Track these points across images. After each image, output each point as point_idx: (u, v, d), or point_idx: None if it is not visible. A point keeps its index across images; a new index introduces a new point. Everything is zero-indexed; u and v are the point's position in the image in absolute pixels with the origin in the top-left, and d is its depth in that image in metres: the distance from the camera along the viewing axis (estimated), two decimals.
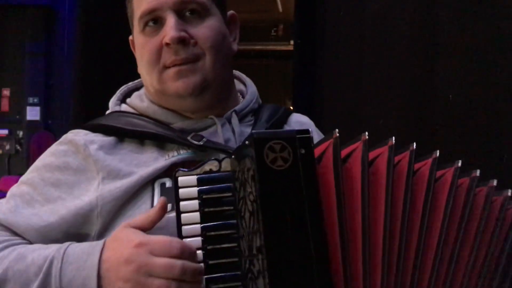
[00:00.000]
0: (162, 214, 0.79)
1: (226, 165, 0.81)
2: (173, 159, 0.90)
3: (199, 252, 0.77)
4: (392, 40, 1.77)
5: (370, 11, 1.95)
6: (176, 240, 0.76)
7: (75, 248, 0.82)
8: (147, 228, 0.79)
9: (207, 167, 0.81)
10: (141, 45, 0.94)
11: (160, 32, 0.92)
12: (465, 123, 1.37)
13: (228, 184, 0.79)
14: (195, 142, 0.91)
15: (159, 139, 0.93)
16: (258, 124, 0.98)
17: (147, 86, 0.98)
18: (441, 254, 0.78)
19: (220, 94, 0.97)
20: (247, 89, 1.05)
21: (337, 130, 0.76)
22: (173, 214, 0.79)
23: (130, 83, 1.05)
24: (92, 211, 0.88)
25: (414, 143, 0.79)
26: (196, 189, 0.80)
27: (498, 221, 0.83)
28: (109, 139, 0.93)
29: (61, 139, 0.96)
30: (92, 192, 0.88)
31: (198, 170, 0.81)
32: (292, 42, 3.75)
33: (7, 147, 4.58)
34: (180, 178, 0.80)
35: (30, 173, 0.94)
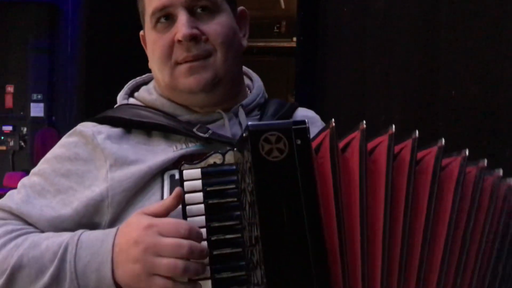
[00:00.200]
0: (177, 203, 0.81)
1: (230, 158, 0.82)
2: (182, 151, 0.92)
3: (203, 243, 0.78)
4: (395, 37, 1.78)
5: (372, 7, 1.96)
6: (184, 221, 0.78)
7: (88, 235, 0.84)
8: (161, 215, 0.81)
9: (211, 160, 0.83)
10: (153, 41, 0.96)
11: (172, 28, 0.93)
12: (467, 119, 1.37)
13: (232, 177, 0.81)
14: (201, 134, 0.93)
15: (165, 130, 0.95)
16: (264, 119, 1.00)
17: (158, 81, 1.00)
18: (449, 251, 0.77)
19: (230, 90, 0.98)
20: (253, 83, 1.07)
21: (333, 120, 0.76)
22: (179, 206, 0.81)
23: (138, 78, 1.07)
24: (103, 201, 0.89)
25: (417, 131, 0.78)
26: (200, 181, 0.81)
27: (503, 211, 0.82)
28: (117, 130, 0.95)
29: (70, 132, 0.98)
30: (101, 181, 0.90)
31: (202, 163, 0.83)
32: (294, 39, 3.75)
33: (11, 143, 4.61)
34: (185, 172, 0.82)
35: (41, 165, 0.96)
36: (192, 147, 0.93)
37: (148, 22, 0.97)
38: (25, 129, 4.60)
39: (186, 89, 0.94)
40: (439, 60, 1.52)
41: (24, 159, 4.51)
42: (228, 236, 0.78)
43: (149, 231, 0.77)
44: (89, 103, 3.18)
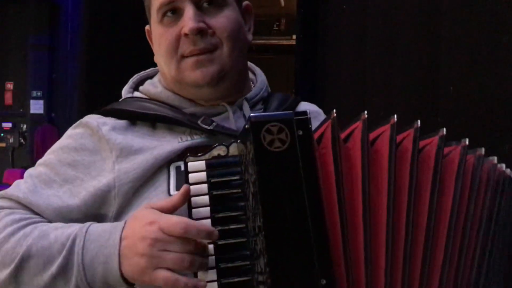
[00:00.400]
0: (184, 200, 0.82)
1: (234, 149, 0.84)
2: (187, 143, 0.93)
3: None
4: (395, 35, 1.79)
5: (372, 5, 1.97)
6: (183, 219, 0.79)
7: (96, 227, 0.85)
8: (167, 211, 0.82)
9: (215, 152, 0.84)
10: (159, 35, 0.97)
11: (178, 22, 0.94)
12: (467, 114, 1.38)
13: (235, 168, 0.82)
14: (205, 126, 0.94)
15: (170, 122, 0.96)
16: (268, 112, 1.01)
17: (164, 74, 1.01)
18: (453, 238, 0.79)
19: (236, 84, 0.99)
20: (257, 78, 1.08)
21: (334, 110, 0.77)
22: None
23: (142, 72, 1.08)
24: (110, 192, 0.90)
25: (419, 121, 0.79)
26: (205, 173, 0.82)
27: (496, 195, 0.84)
28: (122, 122, 0.96)
29: (76, 123, 0.99)
30: (108, 172, 0.91)
31: (207, 155, 0.84)
32: (294, 36, 3.76)
33: (11, 140, 4.61)
34: (190, 164, 0.83)
35: (47, 155, 0.97)
36: (196, 139, 0.94)
37: (154, 16, 0.98)
38: (24, 126, 4.60)
39: (192, 82, 0.95)
40: (440, 56, 1.53)
41: (24, 156, 4.52)
42: (232, 226, 0.80)
43: (152, 227, 0.78)
44: (89, 100, 3.19)
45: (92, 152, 0.93)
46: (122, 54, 2.91)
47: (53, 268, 0.82)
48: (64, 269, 0.82)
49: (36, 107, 4.54)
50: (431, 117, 1.53)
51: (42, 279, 0.83)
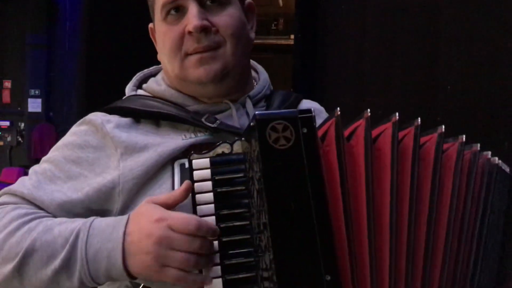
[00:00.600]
0: (186, 196, 0.83)
1: (238, 147, 0.84)
2: (191, 140, 0.94)
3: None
4: (394, 33, 1.80)
5: (371, 5, 1.98)
6: (194, 217, 0.80)
7: (100, 221, 0.85)
8: (169, 206, 0.83)
9: (219, 150, 0.85)
10: (163, 33, 0.98)
11: (182, 20, 0.95)
12: (466, 113, 1.40)
13: (239, 166, 0.83)
14: (209, 124, 0.95)
15: (174, 119, 0.96)
16: (270, 109, 1.02)
17: (167, 72, 1.02)
18: (452, 231, 0.81)
19: (239, 81, 1.00)
20: (259, 75, 1.09)
21: (338, 108, 0.79)
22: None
23: (145, 70, 1.09)
24: (114, 189, 0.91)
25: (419, 118, 0.81)
26: (209, 171, 0.83)
27: (491, 189, 0.87)
28: (126, 120, 0.96)
29: (80, 121, 1.00)
30: (112, 169, 0.92)
31: (211, 153, 0.85)
32: (292, 36, 3.76)
33: (9, 138, 4.61)
34: (194, 161, 0.84)
35: (52, 152, 0.98)
36: (200, 136, 0.95)
37: (158, 14, 0.99)
38: (22, 125, 4.59)
39: (195, 79, 0.96)
40: (438, 57, 1.54)
41: (22, 155, 4.51)
42: (236, 223, 0.81)
43: (160, 224, 0.79)
44: (88, 99, 3.19)
45: (96, 149, 0.94)
46: (120, 53, 2.92)
47: (57, 262, 0.83)
48: (68, 263, 0.83)
49: (34, 105, 4.53)
50: (430, 115, 1.54)
51: (46, 273, 0.83)
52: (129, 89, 1.06)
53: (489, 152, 0.88)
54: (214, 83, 0.96)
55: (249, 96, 1.02)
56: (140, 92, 1.05)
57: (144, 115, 0.97)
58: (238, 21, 0.97)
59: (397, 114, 0.81)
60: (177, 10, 0.96)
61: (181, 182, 0.89)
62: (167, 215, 0.80)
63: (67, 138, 0.98)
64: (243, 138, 0.84)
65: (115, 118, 0.96)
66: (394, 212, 0.77)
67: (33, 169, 0.97)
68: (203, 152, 0.85)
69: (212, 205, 0.82)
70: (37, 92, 4.53)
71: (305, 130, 0.76)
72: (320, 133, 0.78)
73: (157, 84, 1.03)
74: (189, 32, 0.94)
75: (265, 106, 1.04)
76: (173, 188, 0.90)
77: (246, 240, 0.80)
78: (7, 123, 4.61)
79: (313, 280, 0.72)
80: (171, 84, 1.02)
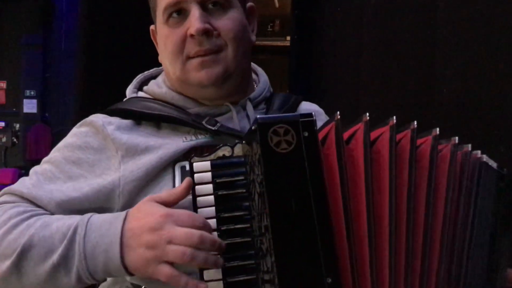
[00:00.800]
0: (186, 193, 0.83)
1: (238, 150, 0.85)
2: (192, 143, 0.95)
3: (214, 233, 0.81)
4: (390, 36, 1.81)
5: (367, 7, 1.98)
6: (199, 215, 0.81)
7: (98, 217, 0.86)
8: (170, 204, 0.83)
9: (220, 153, 0.86)
10: (165, 35, 0.98)
11: (184, 23, 0.96)
12: (461, 115, 1.41)
13: (240, 168, 0.84)
14: (210, 127, 0.95)
15: (175, 122, 0.97)
16: (271, 112, 1.03)
17: (168, 74, 1.02)
18: (447, 230, 0.83)
19: (240, 84, 1.01)
20: (259, 78, 1.10)
21: (338, 112, 0.80)
22: (190, 197, 0.84)
23: (146, 72, 1.10)
24: (114, 190, 0.92)
25: (415, 122, 0.82)
26: (210, 173, 0.84)
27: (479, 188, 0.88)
28: (127, 122, 0.97)
29: (81, 122, 1.00)
30: (113, 171, 0.93)
31: (211, 156, 0.85)
32: (288, 37, 3.77)
33: (4, 139, 4.58)
34: (195, 164, 0.85)
35: (52, 153, 0.98)
36: (201, 138, 0.96)
37: (160, 17, 0.99)
38: (17, 126, 4.57)
39: (197, 82, 0.97)
40: (435, 59, 1.55)
41: (17, 156, 4.48)
42: (237, 226, 0.81)
43: (167, 220, 0.79)
44: (84, 100, 3.18)
45: (97, 151, 0.94)
46: (117, 54, 2.91)
47: (54, 258, 0.83)
48: (65, 259, 0.83)
49: (30, 106, 4.51)
50: (426, 117, 1.55)
51: (44, 268, 0.83)
52: (129, 91, 1.06)
53: (479, 151, 0.90)
54: (215, 86, 0.97)
55: (250, 99, 1.03)
56: (140, 94, 1.05)
57: (145, 117, 0.98)
58: (240, 24, 0.98)
59: (394, 117, 0.82)
60: (179, 13, 0.97)
61: None
62: (173, 211, 0.81)
63: (68, 139, 0.99)
64: (244, 141, 0.85)
65: (116, 120, 0.97)
66: (393, 213, 0.79)
67: (33, 170, 0.97)
68: (204, 155, 0.85)
69: (213, 208, 0.82)
70: (32, 93, 4.51)
71: (306, 134, 0.77)
72: (320, 136, 0.79)
73: (158, 87, 1.04)
74: (191, 35, 0.95)
75: (265, 108, 1.05)
76: None
77: (247, 242, 0.80)
78: (2, 124, 4.58)
79: (314, 282, 0.73)
80: (172, 86, 1.03)
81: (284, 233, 0.74)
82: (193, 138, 0.96)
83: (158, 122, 0.98)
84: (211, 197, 0.83)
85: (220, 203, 0.82)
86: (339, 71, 2.30)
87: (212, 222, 0.81)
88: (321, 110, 1.16)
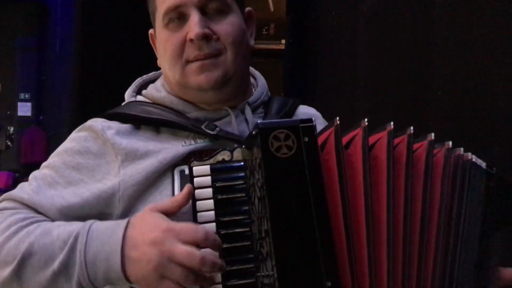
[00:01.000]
0: (188, 200, 0.84)
1: (238, 154, 0.86)
2: (191, 147, 0.95)
3: (216, 254, 0.81)
4: (385, 39, 1.82)
5: (361, 11, 1.99)
6: (201, 227, 0.80)
7: (99, 225, 0.86)
8: (172, 213, 0.83)
9: (219, 157, 0.86)
10: (164, 40, 0.99)
11: (184, 27, 0.97)
12: (457, 118, 1.42)
13: (240, 173, 0.85)
14: (209, 131, 0.96)
15: (174, 126, 0.98)
16: (268, 116, 1.04)
17: (167, 78, 1.03)
18: (442, 231, 0.84)
19: (238, 88, 1.02)
20: (257, 82, 1.11)
21: (337, 118, 0.81)
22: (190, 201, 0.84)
23: (144, 76, 1.10)
24: (114, 195, 0.92)
25: (412, 127, 0.83)
26: (209, 178, 0.85)
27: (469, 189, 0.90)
28: (126, 126, 0.97)
29: (80, 127, 1.00)
30: (113, 176, 0.93)
31: (211, 160, 0.86)
32: (283, 41, 3.78)
33: None
34: (194, 168, 0.86)
35: (52, 158, 0.98)
36: (200, 143, 0.96)
37: (159, 21, 1.00)
38: (12, 129, 4.55)
39: (196, 86, 0.97)
40: (430, 63, 1.56)
41: (11, 159, 4.46)
42: (237, 230, 0.82)
43: (168, 235, 0.79)
44: (79, 103, 3.17)
45: (96, 156, 0.95)
46: (112, 57, 2.91)
47: (55, 265, 0.83)
48: (66, 266, 0.83)
49: (24, 109, 4.49)
50: (422, 120, 1.56)
51: (44, 276, 0.83)
52: (128, 95, 1.06)
53: (469, 153, 0.91)
54: (214, 89, 0.98)
55: (248, 103, 1.03)
56: (139, 98, 1.06)
57: (145, 122, 0.98)
58: (239, 29, 0.99)
59: (392, 123, 0.83)
60: (178, 17, 0.97)
61: (181, 189, 0.90)
62: (174, 225, 0.80)
63: (67, 144, 0.99)
64: (243, 146, 0.85)
65: (115, 124, 0.97)
66: (391, 217, 0.80)
67: (33, 175, 0.97)
68: (203, 159, 0.86)
69: (213, 212, 0.83)
70: (27, 96, 4.50)
71: (306, 139, 0.78)
72: (319, 141, 0.80)
73: (156, 91, 1.04)
74: (191, 40, 0.95)
75: (263, 112, 1.06)
76: (173, 194, 0.91)
77: (246, 246, 0.81)
78: None
79: (314, 286, 0.74)
80: (171, 90, 1.03)
81: (284, 237, 0.75)
82: (192, 142, 0.97)
83: (157, 126, 0.99)
84: (211, 201, 0.83)
85: (220, 207, 0.83)
86: (334, 74, 2.31)
87: (212, 226, 0.82)
88: (318, 114, 1.17)
